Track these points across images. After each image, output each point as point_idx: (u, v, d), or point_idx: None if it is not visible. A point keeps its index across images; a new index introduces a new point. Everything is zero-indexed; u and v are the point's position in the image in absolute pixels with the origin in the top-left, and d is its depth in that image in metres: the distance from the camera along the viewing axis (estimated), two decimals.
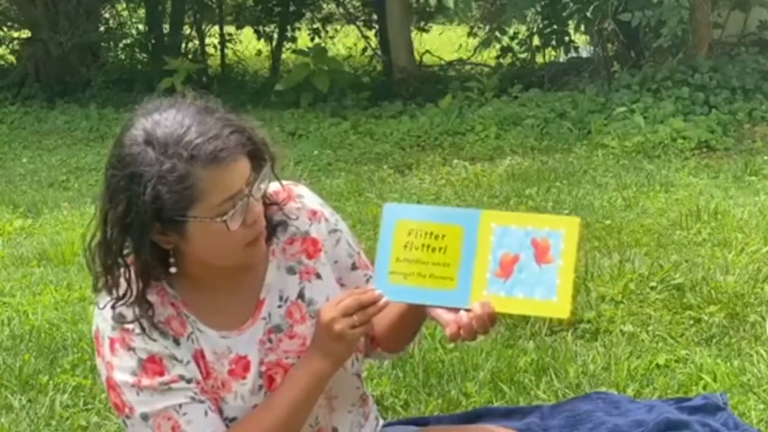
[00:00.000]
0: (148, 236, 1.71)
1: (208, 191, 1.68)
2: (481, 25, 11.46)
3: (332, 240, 1.97)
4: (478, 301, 1.80)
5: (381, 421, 2.17)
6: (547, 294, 1.79)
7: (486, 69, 10.55)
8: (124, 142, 1.72)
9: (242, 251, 1.78)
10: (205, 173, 1.67)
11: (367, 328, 1.81)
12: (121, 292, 1.77)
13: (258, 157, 1.77)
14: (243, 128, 1.74)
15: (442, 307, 1.84)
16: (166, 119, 1.71)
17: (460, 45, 11.75)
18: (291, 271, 1.92)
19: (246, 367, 1.86)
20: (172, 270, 1.79)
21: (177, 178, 1.66)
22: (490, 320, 1.79)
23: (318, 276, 1.94)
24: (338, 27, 12.98)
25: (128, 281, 1.77)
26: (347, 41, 12.74)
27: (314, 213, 1.95)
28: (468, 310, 1.80)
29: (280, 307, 1.91)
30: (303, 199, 1.96)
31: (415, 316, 1.95)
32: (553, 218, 1.85)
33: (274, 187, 1.90)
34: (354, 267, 1.99)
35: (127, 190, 1.68)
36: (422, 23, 12.14)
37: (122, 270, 1.77)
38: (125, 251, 1.76)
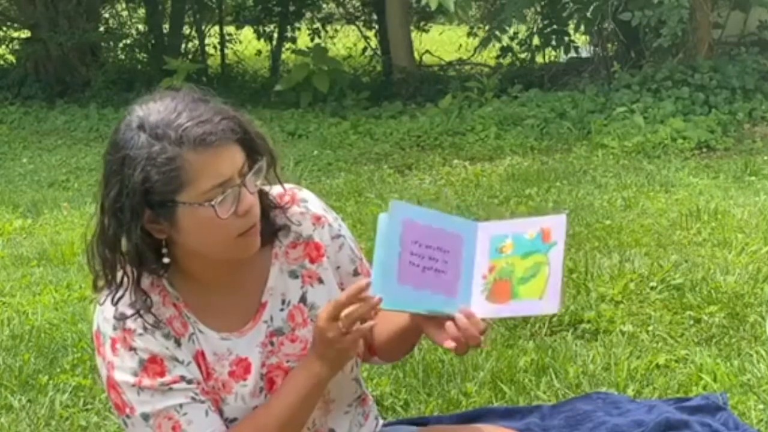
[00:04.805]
0: (139, 221, 1.71)
1: (197, 175, 1.69)
2: (481, 25, 11.46)
3: (335, 245, 1.97)
4: (463, 311, 1.79)
5: (381, 421, 2.17)
6: None
7: (486, 69, 10.54)
8: (120, 128, 1.75)
9: (234, 243, 1.77)
10: (193, 156, 1.68)
11: (363, 333, 1.80)
12: (117, 281, 1.78)
13: (252, 149, 1.77)
14: (235, 117, 1.75)
15: (440, 314, 1.82)
16: (160, 105, 1.74)
17: (460, 45, 11.74)
18: (293, 275, 1.92)
19: (247, 369, 1.86)
20: (165, 260, 1.78)
21: (165, 159, 1.68)
22: (477, 330, 1.78)
23: (320, 280, 1.94)
24: (338, 27, 12.97)
25: (124, 269, 1.78)
26: (347, 41, 12.73)
27: (318, 218, 1.96)
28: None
29: (282, 310, 1.91)
30: (307, 203, 1.96)
31: (414, 331, 1.93)
32: (542, 219, 1.84)
33: (277, 190, 1.90)
34: (356, 273, 1.99)
35: (119, 174, 1.70)
36: (422, 23, 12.13)
37: (120, 260, 1.77)
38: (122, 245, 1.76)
